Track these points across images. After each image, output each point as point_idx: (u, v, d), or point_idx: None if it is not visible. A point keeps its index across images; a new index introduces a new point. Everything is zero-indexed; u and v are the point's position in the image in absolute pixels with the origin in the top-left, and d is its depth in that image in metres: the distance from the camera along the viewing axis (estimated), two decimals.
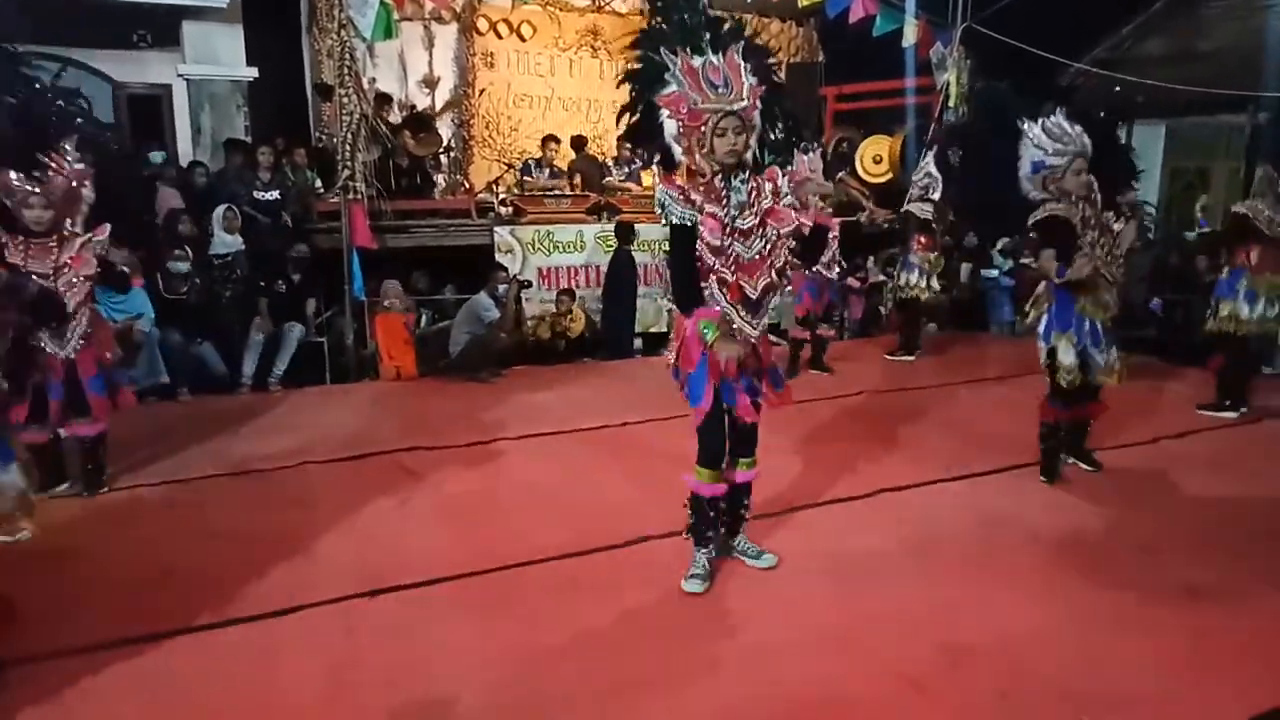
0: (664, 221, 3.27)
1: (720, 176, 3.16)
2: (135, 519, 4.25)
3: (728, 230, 3.15)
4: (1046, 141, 4.28)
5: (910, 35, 10.04)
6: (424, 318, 8.20)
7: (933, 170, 7.99)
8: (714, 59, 3.13)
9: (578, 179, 9.63)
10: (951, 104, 10.42)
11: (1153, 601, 3.33)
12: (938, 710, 2.67)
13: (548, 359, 8.26)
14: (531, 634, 3.10)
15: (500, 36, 10.62)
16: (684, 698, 2.71)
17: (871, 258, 9.90)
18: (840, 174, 9.36)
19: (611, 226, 8.82)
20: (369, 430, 5.85)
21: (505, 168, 9.76)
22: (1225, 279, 6.05)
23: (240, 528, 4.11)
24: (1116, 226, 4.49)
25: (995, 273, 9.73)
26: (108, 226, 4.47)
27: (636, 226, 8.81)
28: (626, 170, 9.73)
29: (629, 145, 9.80)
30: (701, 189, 3.16)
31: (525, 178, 9.32)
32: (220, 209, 7.43)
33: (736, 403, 3.32)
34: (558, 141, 9.71)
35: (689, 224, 3.13)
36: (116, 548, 3.90)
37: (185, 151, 9.24)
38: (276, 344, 7.14)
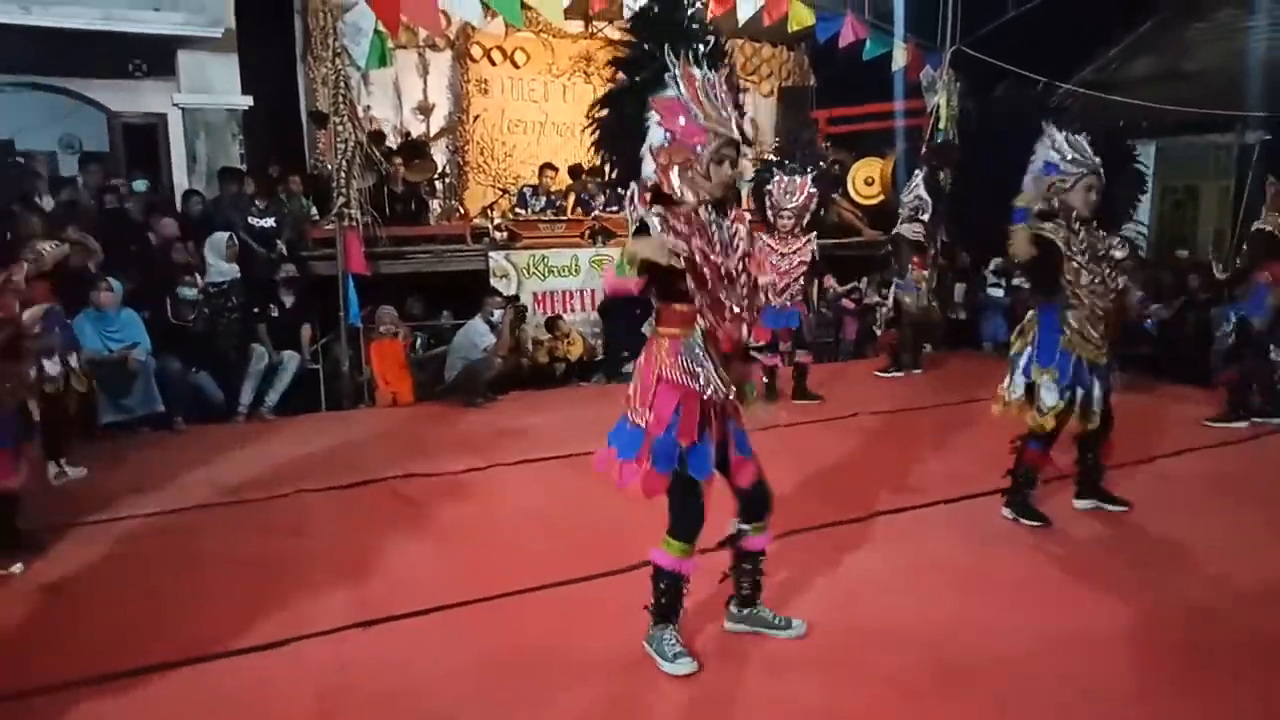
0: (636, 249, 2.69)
1: (706, 208, 2.75)
2: (127, 549, 4.22)
3: (717, 271, 2.74)
4: (1066, 148, 4.08)
5: (900, 59, 10.12)
6: (419, 343, 8.21)
7: (923, 193, 8.06)
8: (712, 75, 2.74)
9: (572, 198, 9.68)
10: (942, 126, 10.49)
11: (1151, 621, 3.33)
12: None
13: (544, 383, 8.25)
14: (528, 663, 3.08)
15: (494, 63, 10.70)
16: None
17: (865, 279, 9.95)
18: (833, 196, 9.42)
19: (607, 250, 8.88)
20: (364, 457, 5.83)
21: (500, 193, 9.80)
22: (1250, 296, 6.04)
23: (233, 557, 4.09)
24: (1117, 254, 4.21)
25: (1001, 292, 9.77)
26: (22, 265, 4.18)
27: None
28: (603, 199, 9.77)
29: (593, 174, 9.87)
30: (683, 219, 2.68)
31: (519, 209, 9.36)
32: (221, 237, 7.45)
33: (736, 460, 2.94)
34: (555, 170, 9.76)
35: (677, 251, 2.62)
36: (107, 577, 3.89)
37: (180, 180, 9.28)
38: (273, 372, 7.13)
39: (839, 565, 3.87)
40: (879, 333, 9.56)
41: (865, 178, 11.25)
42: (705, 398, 2.80)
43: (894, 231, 8.35)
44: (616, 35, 10.96)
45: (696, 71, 2.71)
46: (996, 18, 9.80)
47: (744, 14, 8.76)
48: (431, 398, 7.55)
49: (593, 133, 2.90)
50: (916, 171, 8.61)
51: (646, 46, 2.77)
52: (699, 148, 2.69)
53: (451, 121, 10.45)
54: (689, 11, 2.85)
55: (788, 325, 6.84)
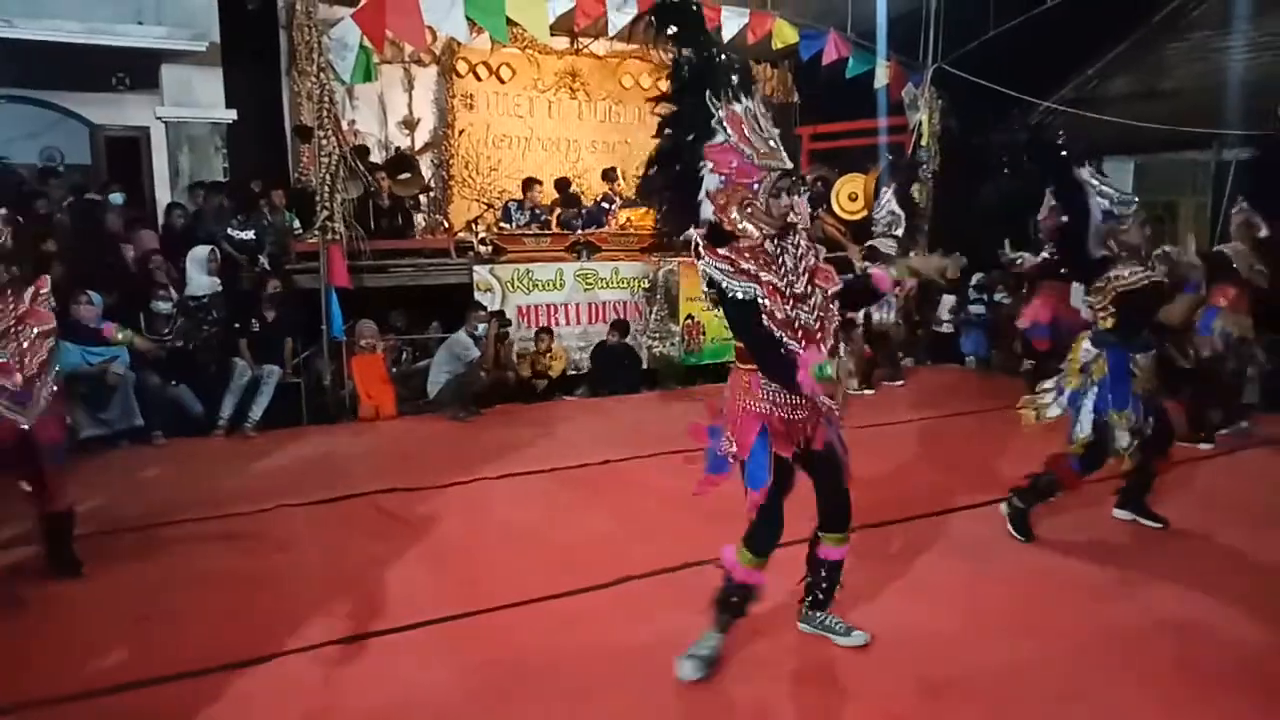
0: (711, 298, 2.95)
1: (772, 240, 2.82)
2: (108, 565, 4.15)
3: (787, 298, 2.82)
4: (1109, 190, 4.01)
5: (882, 76, 10.22)
6: (403, 356, 8.17)
7: (895, 208, 8.12)
8: (753, 107, 2.83)
9: (558, 212, 9.70)
10: (923, 143, 10.61)
11: (1136, 634, 3.34)
12: None
13: (528, 397, 8.23)
14: (512, 677, 3.06)
15: (479, 78, 10.71)
16: None
17: None
18: (818, 212, 9.48)
19: (592, 265, 8.93)
20: (347, 472, 5.79)
21: (485, 207, 9.80)
22: (1201, 318, 6.02)
23: (215, 573, 4.04)
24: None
25: (982, 308, 9.85)
26: (48, 277, 4.07)
27: (618, 266, 8.95)
28: (581, 217, 9.82)
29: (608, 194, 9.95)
30: (748, 255, 2.80)
31: (503, 224, 9.36)
32: (202, 250, 7.40)
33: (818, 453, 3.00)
34: (539, 184, 9.77)
35: (750, 298, 2.77)
36: (88, 595, 3.82)
37: (163, 194, 9.23)
38: (255, 387, 7.07)
39: None
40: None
41: (849, 193, 11.32)
42: (793, 418, 2.90)
43: (867, 245, 8.37)
44: (603, 52, 11.07)
45: (738, 108, 2.80)
46: (977, 37, 9.92)
47: (729, 32, 8.83)
48: (415, 411, 7.51)
49: (646, 193, 3.07)
50: (884, 189, 8.66)
51: (689, 99, 2.83)
52: (755, 185, 2.78)
53: (436, 136, 10.44)
54: (718, 53, 2.89)
55: None
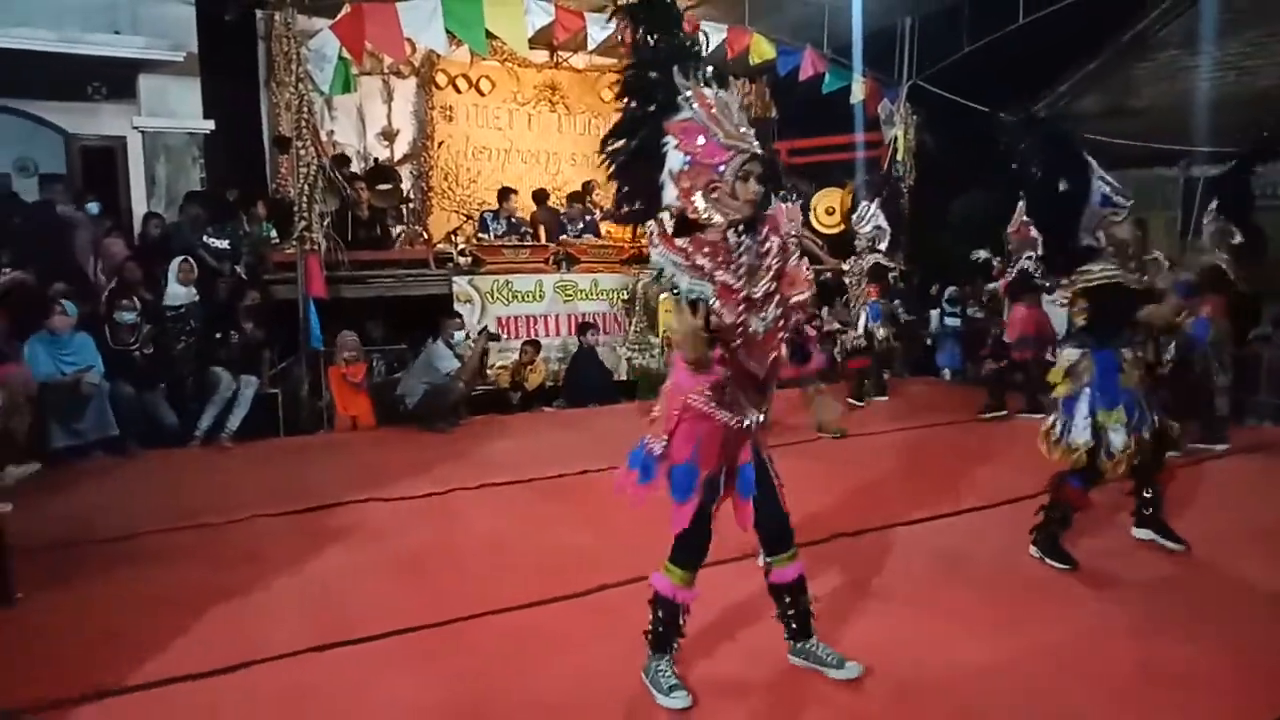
0: (662, 286, 2.78)
1: (736, 230, 2.66)
2: (77, 575, 4.12)
3: (739, 300, 2.65)
4: (1113, 180, 3.93)
5: (858, 92, 10.38)
6: (380, 367, 8.16)
7: (882, 223, 8.21)
8: (724, 95, 2.68)
9: (541, 230, 9.74)
10: (899, 158, 10.75)
11: (1102, 639, 3.39)
12: None
13: (506, 409, 8.24)
14: (484, 687, 3.06)
15: (459, 91, 10.76)
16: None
17: (826, 308, 10.08)
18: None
19: (572, 276, 8.98)
20: (322, 482, 5.76)
21: (464, 219, 9.82)
22: (1191, 329, 6.12)
23: (185, 583, 4.01)
24: (1160, 284, 4.07)
25: (956, 321, 9.97)
26: None
27: (597, 278, 9.00)
28: (581, 224, 9.85)
29: (577, 202, 9.97)
30: (707, 250, 2.62)
31: (481, 234, 9.39)
32: (176, 260, 7.37)
33: (737, 500, 2.88)
34: (515, 193, 9.81)
35: (701, 299, 2.58)
36: (55, 605, 3.78)
37: (139, 204, 9.17)
38: (232, 397, 7.03)
39: None
40: (839, 359, 9.69)
41: (826, 207, 11.46)
42: (729, 425, 2.77)
43: (861, 261, 8.35)
44: (582, 65, 11.15)
45: (708, 91, 2.65)
46: (951, 53, 10.09)
47: (706, 47, 8.93)
48: (392, 422, 7.49)
49: (606, 165, 2.80)
50: (864, 203, 8.72)
51: (653, 75, 2.68)
52: (721, 167, 2.60)
53: (415, 148, 10.47)
54: (686, 41, 2.78)
55: None
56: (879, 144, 11.07)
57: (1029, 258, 7.04)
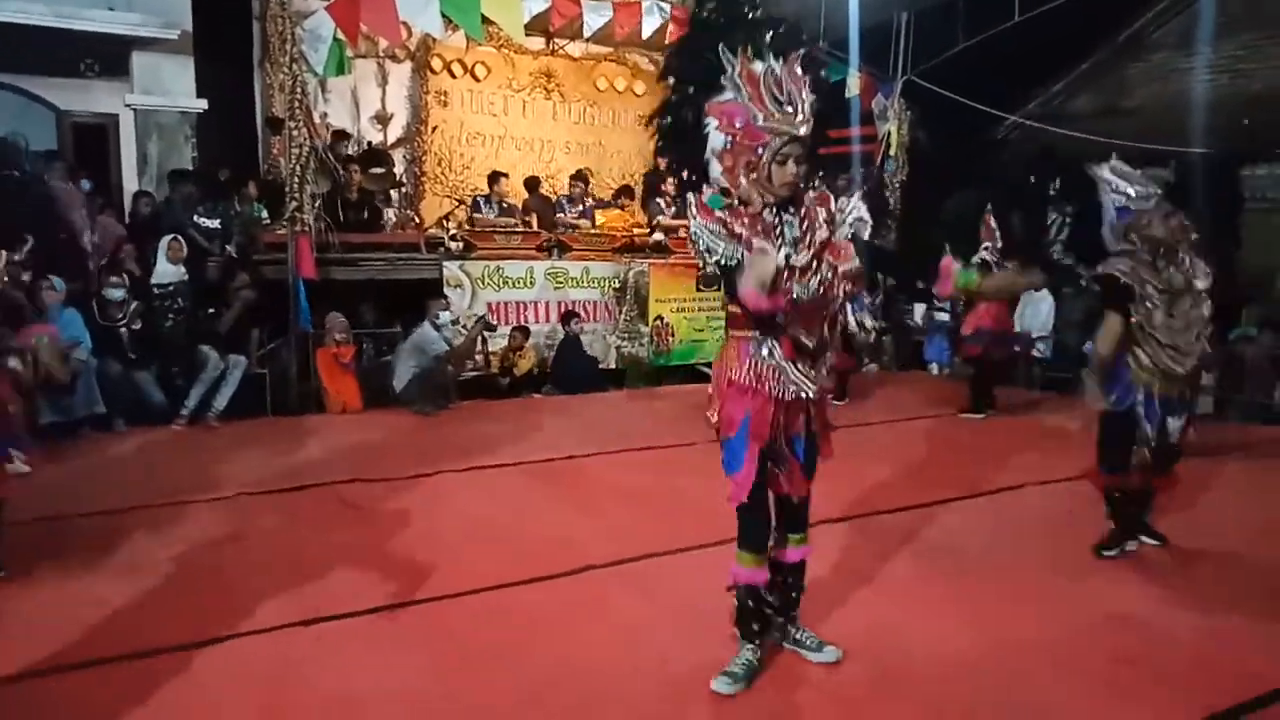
0: (704, 263, 2.77)
1: (772, 209, 2.69)
2: (60, 551, 4.13)
3: (782, 270, 2.61)
4: (1124, 184, 3.82)
5: (853, 86, 10.40)
6: (369, 350, 8.16)
7: (864, 214, 8.21)
8: (776, 67, 2.62)
9: (533, 217, 9.73)
10: (892, 152, 10.79)
11: (1076, 628, 3.43)
12: None
13: (495, 394, 8.26)
14: (466, 664, 3.08)
15: (454, 76, 10.72)
16: None
17: None
18: None
19: (563, 264, 8.97)
20: (309, 462, 5.78)
21: (456, 204, 9.81)
22: None
23: (169, 558, 4.03)
24: (1200, 284, 3.85)
25: (946, 315, 10.02)
26: None
27: (588, 265, 8.99)
28: (580, 208, 9.85)
29: (579, 181, 9.95)
30: (747, 221, 2.65)
31: (475, 214, 9.38)
32: (165, 239, 7.34)
33: (783, 473, 2.89)
34: (505, 176, 9.80)
35: (729, 264, 2.63)
36: (36, 577, 3.79)
37: (130, 182, 9.14)
38: (220, 377, 7.02)
39: None
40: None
41: None
42: (779, 398, 2.75)
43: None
44: (578, 53, 11.13)
45: (759, 66, 2.61)
46: (946, 50, 10.12)
47: None
48: (381, 405, 7.50)
49: (657, 140, 2.83)
50: (844, 196, 8.64)
51: (700, 49, 2.68)
52: (759, 149, 2.61)
53: (409, 132, 10.44)
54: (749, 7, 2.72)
55: None
56: (873, 139, 11.10)
57: (986, 248, 7.32)
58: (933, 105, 10.51)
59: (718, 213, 2.65)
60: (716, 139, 2.67)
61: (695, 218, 2.68)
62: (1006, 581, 3.89)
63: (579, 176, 10.16)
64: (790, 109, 2.60)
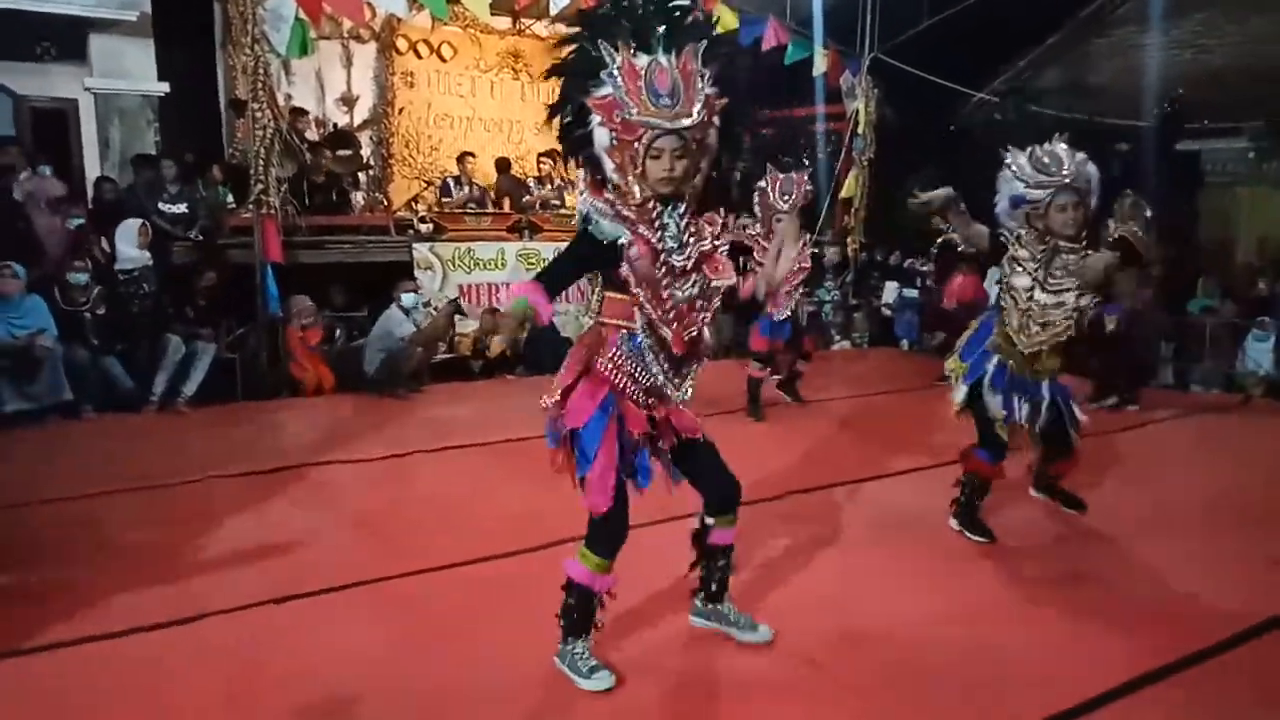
0: (579, 242, 2.66)
1: (653, 204, 2.58)
2: (25, 534, 4.10)
3: (660, 262, 2.57)
4: (1028, 172, 3.76)
5: (820, 64, 10.41)
6: (337, 334, 8.13)
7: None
8: (663, 60, 2.50)
9: (505, 202, 9.70)
10: (860, 130, 10.84)
11: (1039, 589, 3.53)
12: (832, 687, 2.80)
13: (468, 376, 8.26)
14: (433, 636, 3.12)
15: (420, 56, 10.63)
16: (583, 693, 2.76)
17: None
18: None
19: (535, 245, 8.95)
20: (279, 445, 5.77)
21: (425, 185, 9.75)
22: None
23: (137, 541, 4.02)
24: (1082, 278, 3.85)
25: (914, 292, 10.13)
26: None
27: (560, 246, 8.98)
28: (551, 185, 9.84)
29: (548, 159, 9.92)
30: (634, 209, 2.57)
31: (445, 197, 9.34)
32: (133, 224, 7.25)
33: (645, 478, 2.76)
34: (473, 156, 9.74)
35: (614, 241, 2.55)
36: (4, 562, 3.76)
37: (92, 167, 9.00)
38: (189, 362, 6.96)
39: (752, 541, 3.98)
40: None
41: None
42: (636, 400, 2.68)
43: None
44: (545, 33, 11.06)
45: (642, 60, 2.50)
46: (913, 27, 10.16)
47: None
48: (353, 388, 7.49)
49: (563, 142, 2.72)
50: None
51: (601, 44, 2.52)
52: (635, 144, 2.52)
53: (376, 114, 10.35)
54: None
55: (782, 337, 6.49)
56: (842, 117, 11.14)
57: (949, 228, 7.22)
58: (900, 82, 10.56)
59: (608, 194, 2.60)
60: (601, 136, 2.57)
61: (584, 194, 2.66)
62: (975, 548, 3.97)
63: (549, 155, 10.13)
64: (669, 101, 2.48)
